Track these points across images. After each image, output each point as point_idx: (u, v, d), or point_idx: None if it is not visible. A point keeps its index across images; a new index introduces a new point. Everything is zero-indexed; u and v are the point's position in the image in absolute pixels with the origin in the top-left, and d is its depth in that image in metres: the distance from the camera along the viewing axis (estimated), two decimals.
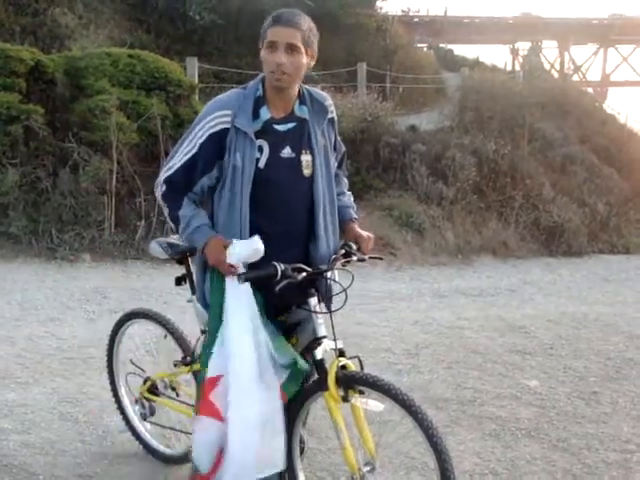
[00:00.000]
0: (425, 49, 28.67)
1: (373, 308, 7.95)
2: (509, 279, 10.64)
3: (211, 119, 2.96)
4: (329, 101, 3.17)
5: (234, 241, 2.91)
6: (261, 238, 2.92)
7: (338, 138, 3.28)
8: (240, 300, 2.92)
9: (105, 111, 9.92)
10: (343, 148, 3.35)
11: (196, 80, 12.40)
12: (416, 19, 36.54)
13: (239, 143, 2.93)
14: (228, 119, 2.94)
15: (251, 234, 2.96)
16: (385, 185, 12.53)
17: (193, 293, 3.58)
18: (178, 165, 3.02)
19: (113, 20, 16.35)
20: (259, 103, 2.99)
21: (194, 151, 2.99)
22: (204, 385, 2.98)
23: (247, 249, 2.88)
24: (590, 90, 32.73)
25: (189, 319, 4.14)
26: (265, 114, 3.00)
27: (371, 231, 3.31)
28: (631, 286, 10.69)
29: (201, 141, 2.97)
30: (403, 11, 30.15)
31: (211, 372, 2.95)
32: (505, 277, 10.80)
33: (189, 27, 17.35)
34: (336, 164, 3.27)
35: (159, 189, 3.09)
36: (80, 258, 9.16)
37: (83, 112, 10.12)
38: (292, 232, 3.08)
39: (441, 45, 33.36)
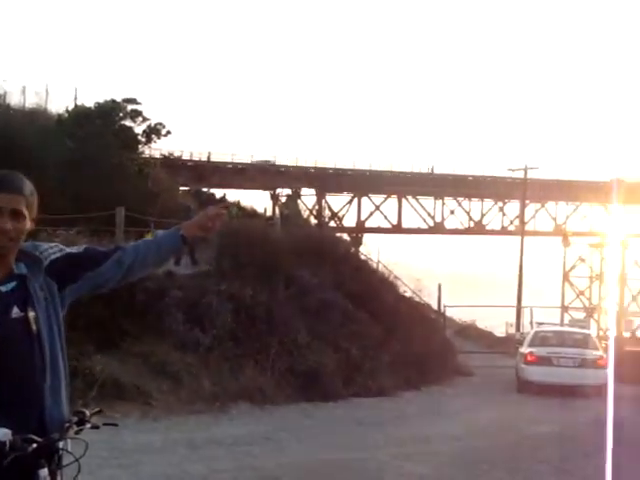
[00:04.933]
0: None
1: (123, 463, 7.62)
2: (265, 426, 10.64)
3: None
4: (42, 247, 2.99)
5: None
6: None
7: (85, 255, 3.03)
8: None
9: None
10: (101, 249, 3.07)
11: None
12: (180, 162, 37.30)
13: None
14: None
15: None
16: (140, 331, 12.24)
17: None
18: None
19: None
20: None
21: None
22: None
23: None
24: (346, 236, 34.58)
25: None
26: None
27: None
28: (382, 429, 11.05)
29: None
30: (164, 155, 30.48)
31: None
32: (261, 424, 10.79)
33: None
34: (108, 261, 3.01)
35: None
36: None
37: None
38: (26, 396, 2.86)
39: (204, 189, 34.13)
